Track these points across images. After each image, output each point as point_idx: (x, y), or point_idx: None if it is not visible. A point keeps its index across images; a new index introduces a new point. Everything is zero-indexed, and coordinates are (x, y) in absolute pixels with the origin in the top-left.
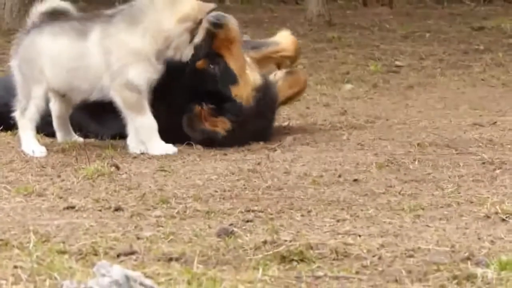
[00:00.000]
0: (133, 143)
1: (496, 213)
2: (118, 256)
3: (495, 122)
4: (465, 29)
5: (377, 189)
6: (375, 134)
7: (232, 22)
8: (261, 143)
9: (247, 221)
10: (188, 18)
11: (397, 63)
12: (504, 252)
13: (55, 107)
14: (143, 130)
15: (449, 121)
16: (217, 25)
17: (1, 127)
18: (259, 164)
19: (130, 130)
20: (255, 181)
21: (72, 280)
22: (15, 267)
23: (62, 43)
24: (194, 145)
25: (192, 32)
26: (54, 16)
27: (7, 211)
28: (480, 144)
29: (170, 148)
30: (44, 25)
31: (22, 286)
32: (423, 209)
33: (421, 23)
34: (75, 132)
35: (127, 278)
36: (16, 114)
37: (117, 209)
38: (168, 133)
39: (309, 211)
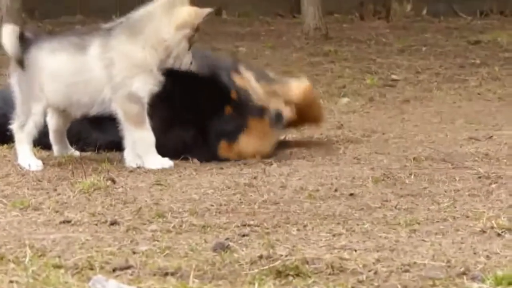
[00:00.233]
0: (130, 157)
1: (492, 227)
2: (114, 270)
3: (491, 136)
4: (461, 43)
5: (373, 203)
6: (371, 148)
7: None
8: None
9: (243, 236)
10: (186, 24)
11: (394, 77)
12: (499, 267)
13: (52, 121)
14: (140, 143)
15: (445, 135)
16: (274, 121)
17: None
18: (255, 178)
19: (128, 143)
20: (251, 195)
21: None
22: (11, 281)
23: (61, 59)
24: (190, 159)
25: (191, 39)
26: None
27: (3, 225)
28: (476, 158)
29: (166, 162)
30: (42, 42)
31: None
32: (419, 223)
33: (417, 37)
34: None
35: None
36: (14, 128)
37: (113, 223)
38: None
39: (305, 226)
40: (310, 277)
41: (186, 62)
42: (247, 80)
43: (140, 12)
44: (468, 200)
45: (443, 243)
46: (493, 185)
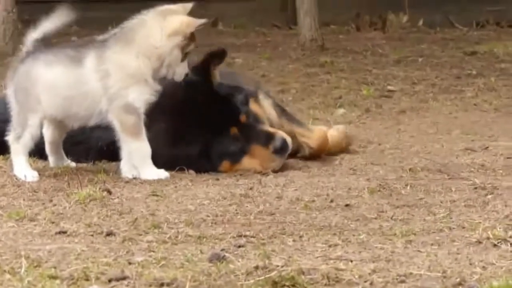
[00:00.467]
0: (126, 167)
1: (488, 238)
2: (109, 281)
3: (487, 147)
4: (457, 54)
5: (369, 214)
6: (367, 159)
7: (285, 156)
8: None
9: (239, 246)
10: (177, 33)
11: (390, 87)
12: (495, 278)
13: (48, 133)
14: (137, 154)
15: (441, 146)
16: (277, 151)
17: None
18: (251, 189)
19: (124, 154)
20: (247, 206)
21: None
22: None
23: (57, 71)
24: (186, 170)
25: (184, 49)
26: (48, 43)
27: None
28: (472, 169)
29: (162, 173)
30: (38, 54)
31: None
32: (415, 234)
33: (413, 48)
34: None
35: None
36: (10, 139)
37: (109, 234)
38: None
39: (301, 236)
40: (306, 287)
41: (179, 73)
42: (262, 107)
43: (133, 21)
44: (464, 211)
45: (439, 254)
46: (489, 196)
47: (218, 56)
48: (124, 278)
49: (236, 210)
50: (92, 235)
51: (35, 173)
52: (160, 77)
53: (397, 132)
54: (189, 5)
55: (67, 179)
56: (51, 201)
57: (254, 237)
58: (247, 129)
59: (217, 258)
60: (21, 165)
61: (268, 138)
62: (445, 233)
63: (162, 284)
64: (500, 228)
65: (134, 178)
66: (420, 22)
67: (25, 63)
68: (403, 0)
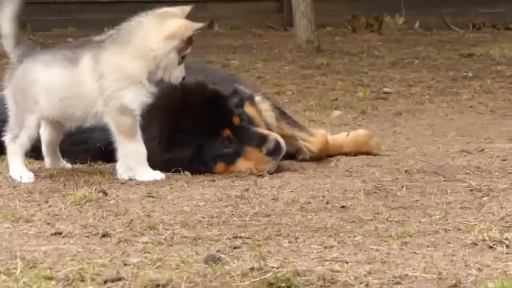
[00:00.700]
0: (121, 169)
1: (484, 240)
2: (105, 282)
3: (483, 149)
4: (453, 56)
5: (365, 216)
6: (363, 160)
7: (280, 159)
8: None
9: (235, 248)
10: (175, 36)
11: (386, 89)
12: (491, 280)
13: (45, 134)
14: (132, 155)
15: (437, 148)
16: (271, 154)
17: None
18: (247, 190)
19: (120, 155)
20: (242, 208)
21: None
22: None
23: (54, 72)
24: (181, 171)
25: (181, 52)
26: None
27: None
28: (468, 171)
29: (158, 175)
30: (36, 54)
31: None
32: (410, 236)
33: (410, 49)
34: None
35: None
36: (6, 140)
37: (105, 235)
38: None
39: (297, 238)
40: None
41: (176, 76)
42: (258, 109)
43: (130, 23)
44: (460, 213)
45: (434, 256)
46: (485, 198)
47: None
48: (119, 279)
49: (231, 211)
50: (87, 236)
51: (31, 174)
52: (157, 79)
53: (393, 134)
54: (188, 8)
55: (63, 180)
56: (46, 202)
57: (249, 238)
58: (241, 131)
59: (212, 260)
60: (17, 166)
61: (261, 140)
62: (441, 235)
63: (157, 285)
64: (495, 230)
65: (130, 180)
66: (416, 24)
67: (22, 64)
68: (399, 2)
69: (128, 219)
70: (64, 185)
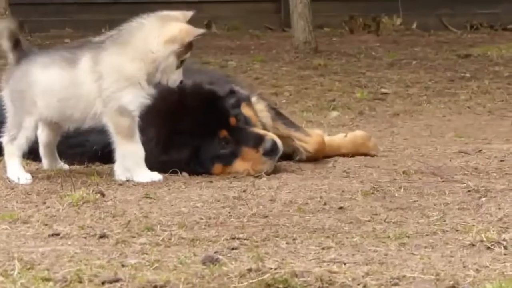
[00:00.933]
0: (119, 170)
1: (481, 241)
2: (102, 283)
3: (481, 150)
4: (451, 57)
5: (363, 216)
6: (361, 161)
7: (276, 159)
8: None
9: (232, 249)
10: (175, 40)
11: (383, 90)
12: (489, 280)
13: (43, 135)
14: (130, 156)
15: (434, 148)
16: (268, 154)
17: None
18: (244, 191)
19: (118, 156)
20: (240, 209)
21: None
22: None
23: (52, 73)
24: (179, 172)
25: (180, 56)
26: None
27: None
28: (466, 172)
29: (155, 176)
30: (34, 56)
31: None
32: (408, 237)
33: (407, 50)
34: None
35: None
36: (4, 141)
37: (102, 236)
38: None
39: (294, 239)
40: None
41: (174, 79)
42: (254, 110)
43: (132, 24)
44: (458, 214)
45: (432, 257)
46: (483, 199)
47: None
48: (117, 281)
49: (229, 212)
50: (85, 238)
51: (28, 175)
52: (155, 82)
53: (390, 135)
54: (189, 13)
55: (61, 181)
56: (44, 203)
57: (247, 239)
58: (237, 132)
59: (210, 261)
60: (14, 167)
61: (258, 140)
62: (439, 235)
63: (155, 287)
64: (493, 230)
65: (128, 181)
66: (414, 25)
67: (21, 65)
68: (396, 3)
69: (126, 220)
70: (62, 186)
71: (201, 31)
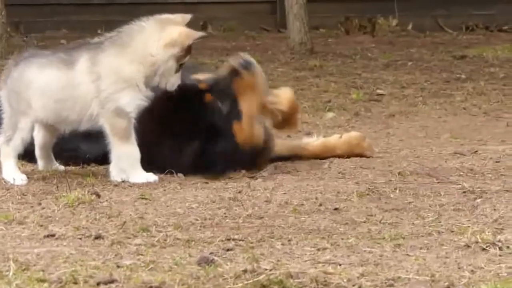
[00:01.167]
0: (115, 171)
1: (477, 242)
2: (98, 284)
3: (476, 151)
4: (447, 58)
5: (358, 218)
6: (356, 162)
7: (259, 71)
8: (243, 171)
9: (228, 250)
10: (175, 43)
11: (379, 91)
12: (484, 282)
13: (38, 137)
14: (126, 157)
15: (430, 149)
16: (246, 68)
17: None
18: (240, 192)
19: (113, 157)
20: (236, 210)
21: None
22: None
23: (49, 74)
24: (175, 173)
25: (179, 60)
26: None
27: None
28: (461, 173)
29: (151, 177)
30: (32, 58)
31: None
32: (403, 238)
33: (403, 51)
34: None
35: None
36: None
37: (98, 237)
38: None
39: (290, 240)
40: None
41: (172, 83)
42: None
43: (131, 27)
44: (453, 215)
45: (427, 258)
46: (478, 200)
47: None
48: (112, 282)
49: (224, 213)
50: (80, 238)
51: (24, 176)
52: (153, 85)
53: (386, 136)
54: (188, 16)
55: (56, 182)
56: (39, 204)
57: (242, 240)
58: (215, 86)
59: (205, 262)
60: (10, 168)
61: (232, 72)
62: (434, 237)
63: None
64: (488, 232)
65: (123, 182)
66: (410, 26)
67: (18, 66)
68: (392, 4)
69: (121, 221)
70: (57, 187)
71: (200, 34)
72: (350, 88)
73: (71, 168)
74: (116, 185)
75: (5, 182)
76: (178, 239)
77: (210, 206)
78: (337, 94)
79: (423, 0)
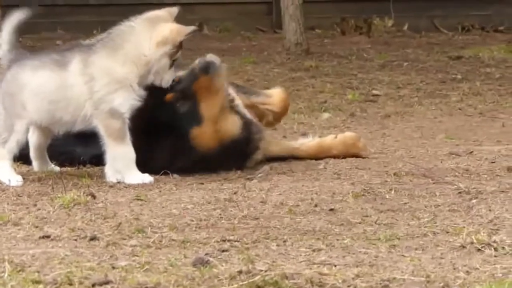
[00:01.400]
0: (110, 172)
1: (472, 243)
2: (93, 285)
3: (472, 152)
4: (442, 59)
5: (353, 218)
6: (352, 163)
7: (220, 72)
8: (238, 172)
9: (223, 251)
10: (167, 41)
11: (375, 92)
12: (479, 283)
13: (33, 138)
14: (121, 158)
15: (425, 150)
16: (204, 70)
17: None
18: (235, 193)
19: (109, 158)
20: (231, 211)
21: None
22: None
23: (42, 76)
24: (170, 174)
25: (172, 56)
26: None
27: None
28: (457, 174)
29: (146, 178)
30: (25, 59)
31: None
32: (399, 239)
33: (398, 52)
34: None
35: None
36: None
37: (93, 238)
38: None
39: (285, 241)
40: None
41: (167, 79)
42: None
43: (121, 27)
44: (448, 216)
45: (422, 259)
46: (473, 201)
47: None
48: (107, 283)
49: (220, 214)
50: (76, 240)
51: (19, 178)
52: (147, 83)
53: (381, 136)
54: (175, 10)
55: (51, 183)
56: (35, 205)
57: (238, 241)
58: (177, 87)
59: (201, 263)
60: (5, 170)
61: (191, 75)
62: (429, 237)
63: None
64: (484, 232)
65: (118, 183)
66: (405, 27)
67: (11, 69)
68: (388, 5)
69: (117, 222)
70: (53, 188)
71: (191, 28)
72: (345, 88)
73: (67, 169)
74: (111, 186)
75: (0, 183)
76: (173, 240)
77: (205, 207)
78: (333, 94)
79: (418, 1)
